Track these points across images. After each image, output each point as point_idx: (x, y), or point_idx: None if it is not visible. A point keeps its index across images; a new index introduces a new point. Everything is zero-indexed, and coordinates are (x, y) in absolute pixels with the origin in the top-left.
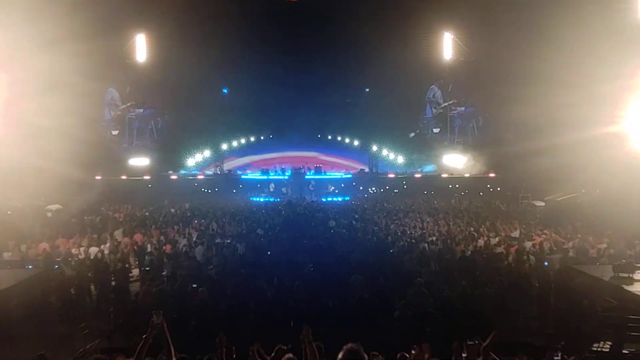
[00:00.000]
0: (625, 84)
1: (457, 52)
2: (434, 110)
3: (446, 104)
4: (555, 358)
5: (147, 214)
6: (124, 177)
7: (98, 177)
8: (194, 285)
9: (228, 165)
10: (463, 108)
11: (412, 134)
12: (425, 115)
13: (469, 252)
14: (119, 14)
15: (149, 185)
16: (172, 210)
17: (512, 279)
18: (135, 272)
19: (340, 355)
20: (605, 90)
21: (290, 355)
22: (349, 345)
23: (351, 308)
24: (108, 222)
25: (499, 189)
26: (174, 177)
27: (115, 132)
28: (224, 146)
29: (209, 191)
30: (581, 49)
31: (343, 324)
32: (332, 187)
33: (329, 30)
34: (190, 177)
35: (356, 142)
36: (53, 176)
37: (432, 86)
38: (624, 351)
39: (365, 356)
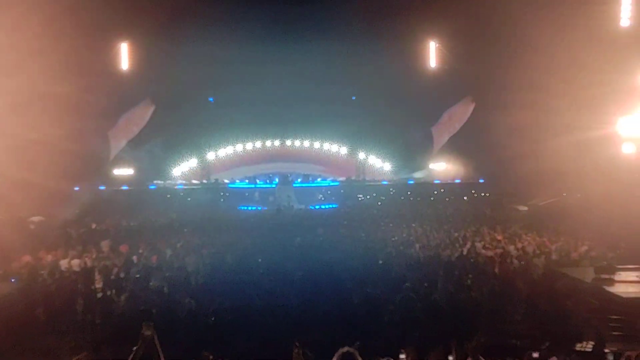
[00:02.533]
0: (606, 89)
1: (443, 60)
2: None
3: None
4: (534, 356)
5: (132, 224)
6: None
7: (77, 188)
8: (187, 299)
9: (215, 175)
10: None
11: (402, 140)
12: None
13: (455, 257)
14: (103, 22)
15: (136, 196)
16: (158, 220)
17: (498, 283)
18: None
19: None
20: (587, 96)
21: None
22: (344, 348)
23: (341, 314)
24: (93, 234)
25: (483, 194)
26: (160, 187)
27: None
28: (211, 156)
29: (191, 200)
30: (564, 55)
31: (333, 330)
32: (320, 195)
33: (316, 37)
34: (177, 187)
35: (343, 149)
36: (36, 188)
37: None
38: (606, 350)
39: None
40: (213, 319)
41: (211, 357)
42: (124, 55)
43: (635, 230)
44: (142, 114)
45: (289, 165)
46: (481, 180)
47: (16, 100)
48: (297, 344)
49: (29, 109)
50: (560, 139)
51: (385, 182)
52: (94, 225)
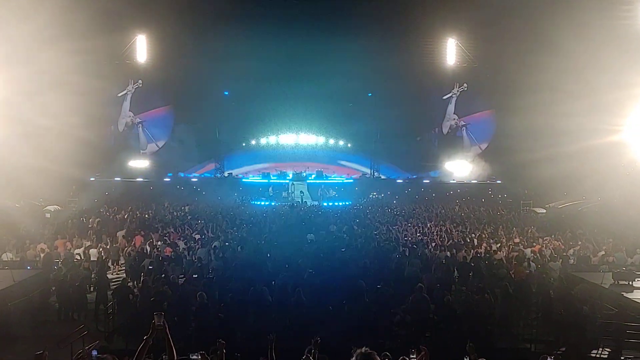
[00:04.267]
0: (627, 93)
1: (461, 58)
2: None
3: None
4: None
5: (147, 216)
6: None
7: (93, 179)
8: (199, 292)
9: (229, 169)
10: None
11: (419, 138)
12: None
13: (470, 258)
14: (120, 13)
15: (151, 188)
16: (173, 212)
17: (513, 285)
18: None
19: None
20: (607, 99)
21: None
22: (363, 349)
23: (352, 312)
24: (108, 224)
25: (500, 196)
26: (170, 179)
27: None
28: (226, 150)
29: (206, 194)
30: (584, 58)
31: (343, 328)
32: (334, 192)
33: (332, 34)
34: (191, 180)
35: (358, 147)
36: (52, 176)
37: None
38: (622, 357)
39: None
40: (222, 315)
41: (224, 345)
42: (142, 47)
43: None
44: (158, 105)
45: (303, 161)
46: (498, 181)
47: (33, 88)
48: (313, 342)
49: (46, 97)
50: (581, 142)
51: (400, 180)
52: (109, 216)
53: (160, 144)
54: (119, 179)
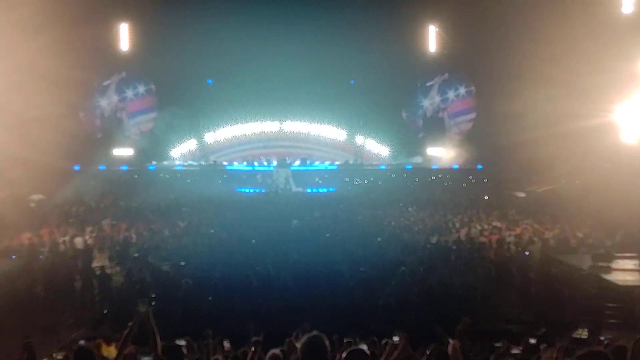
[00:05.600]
0: (606, 78)
1: (443, 45)
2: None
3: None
4: (532, 342)
5: (131, 204)
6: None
7: (78, 168)
8: (184, 279)
9: (214, 156)
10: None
11: (405, 113)
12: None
13: (452, 242)
14: (102, 2)
15: (135, 176)
16: (157, 201)
17: (494, 268)
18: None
19: (301, 343)
20: (587, 84)
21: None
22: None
23: (336, 296)
24: (92, 213)
25: (481, 180)
26: (154, 167)
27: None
28: (210, 137)
29: (190, 181)
30: (565, 43)
31: (328, 313)
32: (318, 178)
33: (316, 18)
34: (175, 168)
35: (342, 133)
36: (36, 166)
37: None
38: (602, 338)
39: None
40: (210, 298)
41: (211, 334)
42: (124, 35)
43: (633, 218)
44: (142, 94)
45: (287, 148)
46: (479, 167)
47: (16, 78)
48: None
49: (29, 87)
50: (560, 126)
51: (383, 167)
52: (93, 204)
53: (144, 131)
54: (104, 167)
